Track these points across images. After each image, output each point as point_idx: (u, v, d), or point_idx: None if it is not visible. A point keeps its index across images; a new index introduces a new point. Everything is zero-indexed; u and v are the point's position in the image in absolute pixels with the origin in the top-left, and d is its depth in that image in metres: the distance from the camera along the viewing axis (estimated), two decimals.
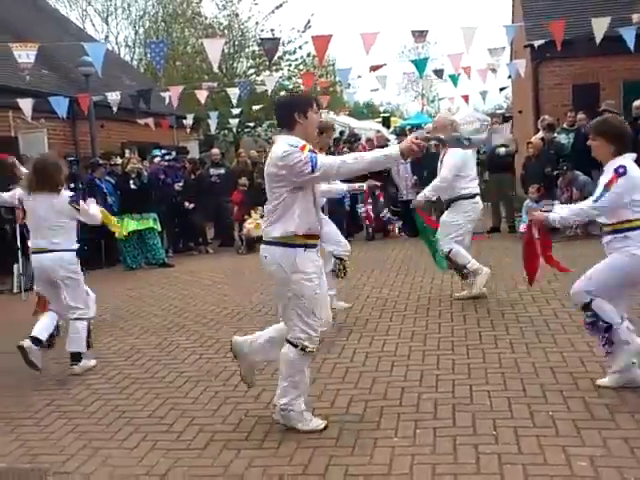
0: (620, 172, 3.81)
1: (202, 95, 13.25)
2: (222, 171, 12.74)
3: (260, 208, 11.67)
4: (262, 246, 3.76)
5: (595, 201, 3.90)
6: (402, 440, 3.58)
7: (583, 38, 10.89)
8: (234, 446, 3.69)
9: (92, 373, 5.23)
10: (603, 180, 3.94)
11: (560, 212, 4.16)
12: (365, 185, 6.54)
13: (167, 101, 12.95)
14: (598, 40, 9.47)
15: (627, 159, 3.93)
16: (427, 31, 9.97)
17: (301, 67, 22.46)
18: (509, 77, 17.69)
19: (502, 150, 10.98)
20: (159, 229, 10.87)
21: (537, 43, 12.06)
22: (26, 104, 10.62)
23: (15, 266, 8.93)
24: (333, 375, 4.70)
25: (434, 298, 6.74)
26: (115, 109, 12.00)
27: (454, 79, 12.57)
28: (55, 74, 14.03)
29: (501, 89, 17.99)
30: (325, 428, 3.76)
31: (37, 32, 14.22)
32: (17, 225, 8.93)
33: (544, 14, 13.36)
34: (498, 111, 28.16)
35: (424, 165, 11.07)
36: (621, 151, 3.95)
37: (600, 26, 9.47)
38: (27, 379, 5.18)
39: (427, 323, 5.83)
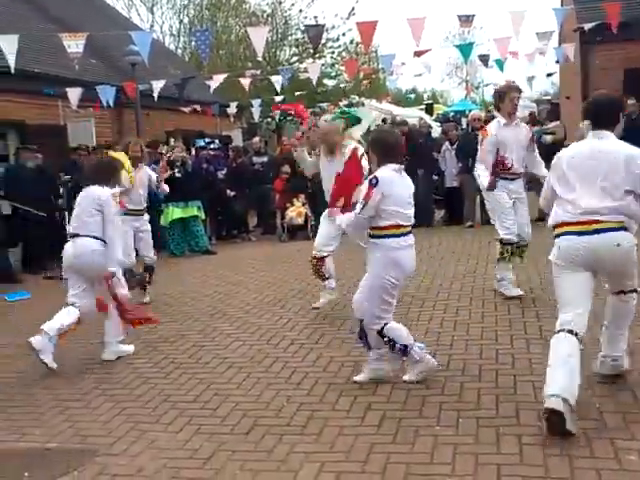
0: (373, 183, 4.02)
1: (245, 83, 13.31)
2: (265, 159, 12.81)
3: (302, 196, 11.70)
4: (614, 234, 3.54)
5: (358, 213, 4.09)
6: (444, 429, 3.56)
7: (636, 20, 10.54)
8: (277, 431, 3.73)
9: (138, 357, 5.34)
10: (362, 190, 4.14)
11: (341, 221, 4.37)
12: None
13: (211, 89, 13.04)
14: None
15: (384, 170, 4.11)
16: (474, 15, 9.78)
17: (344, 54, 22.33)
18: (557, 62, 17.27)
19: (548, 137, 10.72)
20: (203, 217, 10.99)
21: (588, 26, 11.70)
22: (74, 93, 10.84)
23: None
24: None
25: (477, 287, 6.66)
26: (156, 96, 12.13)
27: (500, 64, 12.33)
28: (102, 64, 14.28)
29: (548, 74, 17.58)
30: None
31: (84, 23, 14.47)
32: (66, 213, 9.16)
33: None
34: (544, 97, 27.58)
35: (470, 151, 10.93)
36: (382, 162, 4.17)
37: None
38: (76, 363, 5.33)
39: (470, 313, 5.78)
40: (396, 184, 4.14)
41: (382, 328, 4.20)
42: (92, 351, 5.63)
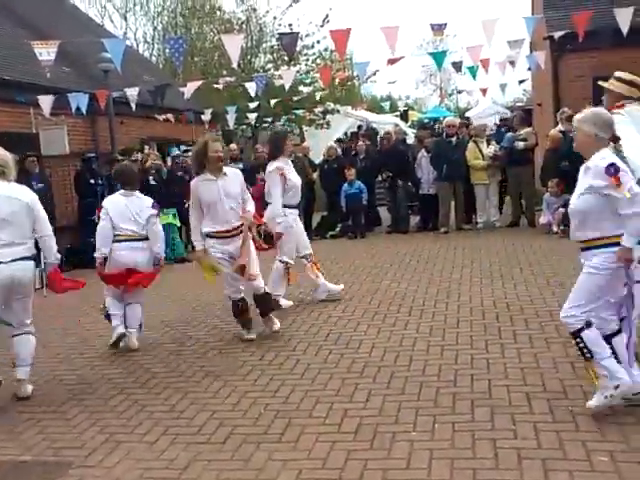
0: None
1: (220, 87, 13.27)
2: (240, 166, 12.78)
3: None
4: None
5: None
6: (420, 435, 3.59)
7: (604, 29, 10.73)
8: (254, 440, 3.72)
9: (113, 367, 5.30)
10: None
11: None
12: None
13: (185, 96, 12.99)
14: (625, 31, 9.27)
15: (113, 196, 5.88)
16: (446, 24, 9.89)
17: (318, 61, 22.39)
18: (529, 69, 17.52)
19: (521, 144, 10.88)
20: (178, 225, 10.94)
21: (557, 35, 11.90)
22: (46, 101, 10.72)
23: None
24: (352, 370, 4.71)
25: (452, 293, 6.72)
26: (133, 105, 12.05)
27: (472, 72, 12.47)
28: (75, 71, 14.14)
29: (520, 82, 17.79)
30: None
31: (57, 29, 14.33)
32: None
33: (564, 5, 13.17)
34: (517, 104, 27.96)
35: (444, 159, 11.06)
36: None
37: (624, 16, 9.30)
38: (49, 374, 5.26)
39: (445, 318, 5.82)
40: (118, 206, 5.73)
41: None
42: (66, 362, 5.57)
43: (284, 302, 6.58)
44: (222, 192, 5.44)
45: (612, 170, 3.40)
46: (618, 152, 3.66)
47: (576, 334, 3.60)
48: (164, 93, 12.57)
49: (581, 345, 3.59)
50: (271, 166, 6.55)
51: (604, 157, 3.52)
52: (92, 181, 10.91)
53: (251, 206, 5.83)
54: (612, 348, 3.61)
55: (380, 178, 12.27)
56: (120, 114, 13.09)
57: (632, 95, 4.56)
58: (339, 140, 18.70)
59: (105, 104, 12.04)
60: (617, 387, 3.52)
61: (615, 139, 3.68)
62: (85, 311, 7.47)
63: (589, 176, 3.56)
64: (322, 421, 3.89)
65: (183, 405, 4.35)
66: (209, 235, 5.59)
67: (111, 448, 3.79)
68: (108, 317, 5.85)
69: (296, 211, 6.82)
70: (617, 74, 4.62)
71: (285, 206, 6.55)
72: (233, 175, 5.64)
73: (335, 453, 3.47)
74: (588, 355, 3.58)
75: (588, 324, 3.58)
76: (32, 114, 11.82)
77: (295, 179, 6.68)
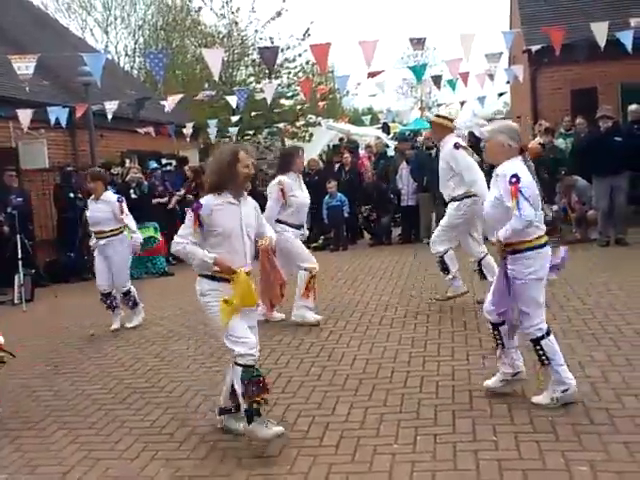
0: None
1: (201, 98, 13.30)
2: None
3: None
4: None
5: None
6: (402, 447, 3.58)
7: (580, 43, 10.92)
8: (235, 455, 3.70)
9: (92, 383, 5.24)
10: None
11: None
12: None
13: (166, 109, 12.99)
14: (602, 45, 9.44)
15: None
16: (425, 39, 10.01)
17: (300, 75, 22.48)
18: (508, 82, 17.75)
19: None
20: (160, 238, 10.87)
21: (535, 48, 12.08)
22: (25, 115, 10.65)
23: (16, 277, 8.94)
24: (333, 382, 4.70)
25: (434, 304, 6.73)
26: (110, 117, 12.00)
27: (452, 85, 12.60)
28: (55, 85, 14.07)
29: (500, 94, 18.01)
30: None
31: (37, 43, 14.27)
32: (18, 237, 8.95)
33: (541, 20, 13.39)
34: (498, 116, 28.26)
35: (424, 171, 11.13)
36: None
37: (600, 31, 9.48)
38: (26, 391, 5.19)
39: (427, 329, 5.83)
40: None
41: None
42: (43, 378, 5.50)
43: (312, 316, 6.33)
44: (244, 221, 4.04)
45: (513, 180, 3.75)
46: (526, 161, 3.96)
47: (536, 342, 3.93)
48: (142, 105, 12.55)
49: (541, 352, 3.92)
50: (275, 179, 6.53)
51: (512, 166, 3.83)
52: (72, 195, 10.82)
53: (271, 231, 4.48)
54: (499, 333, 4.10)
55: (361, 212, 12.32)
56: (100, 127, 13.03)
57: (450, 126, 6.19)
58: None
59: (85, 117, 12.00)
60: (566, 390, 3.85)
61: (523, 149, 4.01)
62: (63, 325, 7.38)
63: (499, 183, 3.87)
64: (304, 435, 3.87)
65: (163, 421, 4.31)
66: (211, 277, 3.96)
67: (90, 465, 3.74)
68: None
69: (297, 231, 6.46)
70: (436, 113, 6.21)
71: (283, 223, 6.36)
72: (249, 199, 4.17)
73: (317, 467, 3.45)
74: (547, 362, 3.90)
75: (548, 332, 3.94)
76: (11, 128, 11.74)
77: (302, 197, 6.48)
